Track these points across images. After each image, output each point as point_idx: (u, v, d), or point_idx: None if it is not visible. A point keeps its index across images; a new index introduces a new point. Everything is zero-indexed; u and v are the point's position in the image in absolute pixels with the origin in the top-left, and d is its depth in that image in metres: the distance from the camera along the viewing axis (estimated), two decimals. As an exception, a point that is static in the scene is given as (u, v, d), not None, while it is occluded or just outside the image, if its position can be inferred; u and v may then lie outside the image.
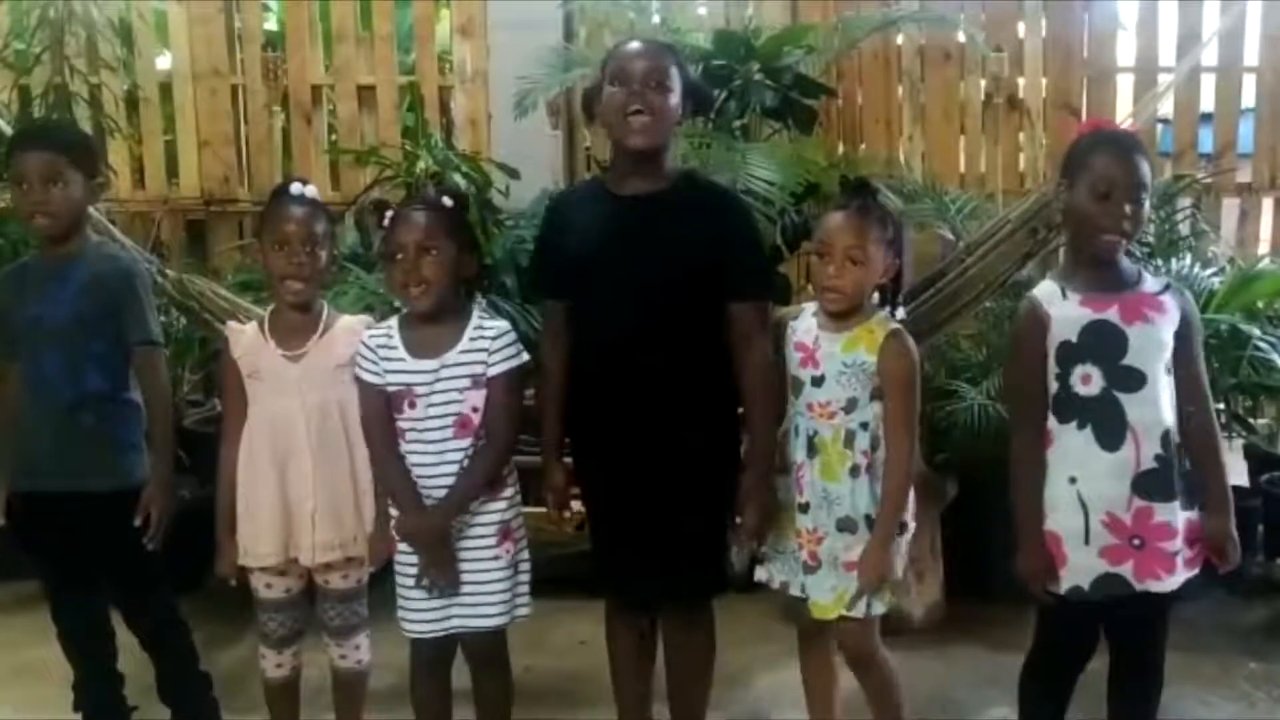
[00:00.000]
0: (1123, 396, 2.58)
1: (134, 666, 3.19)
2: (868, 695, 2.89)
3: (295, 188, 2.90)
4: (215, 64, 5.63)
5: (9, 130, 4.29)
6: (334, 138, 5.87)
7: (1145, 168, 2.59)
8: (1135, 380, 2.58)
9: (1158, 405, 2.59)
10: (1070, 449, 2.62)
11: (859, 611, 2.72)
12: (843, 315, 2.72)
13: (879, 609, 2.75)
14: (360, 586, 2.99)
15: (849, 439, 2.69)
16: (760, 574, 2.88)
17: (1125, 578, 2.59)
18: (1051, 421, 2.64)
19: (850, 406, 2.69)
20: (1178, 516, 2.59)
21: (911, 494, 2.76)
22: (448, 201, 2.78)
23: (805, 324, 2.78)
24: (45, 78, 4.93)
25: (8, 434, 3.04)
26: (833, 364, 2.70)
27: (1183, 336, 2.63)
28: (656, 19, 5.05)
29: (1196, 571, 2.66)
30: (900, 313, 2.78)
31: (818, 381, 2.72)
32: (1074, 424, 2.61)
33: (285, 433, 2.86)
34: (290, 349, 2.88)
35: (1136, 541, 2.58)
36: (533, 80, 4.52)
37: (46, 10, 4.86)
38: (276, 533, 2.86)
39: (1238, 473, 4.85)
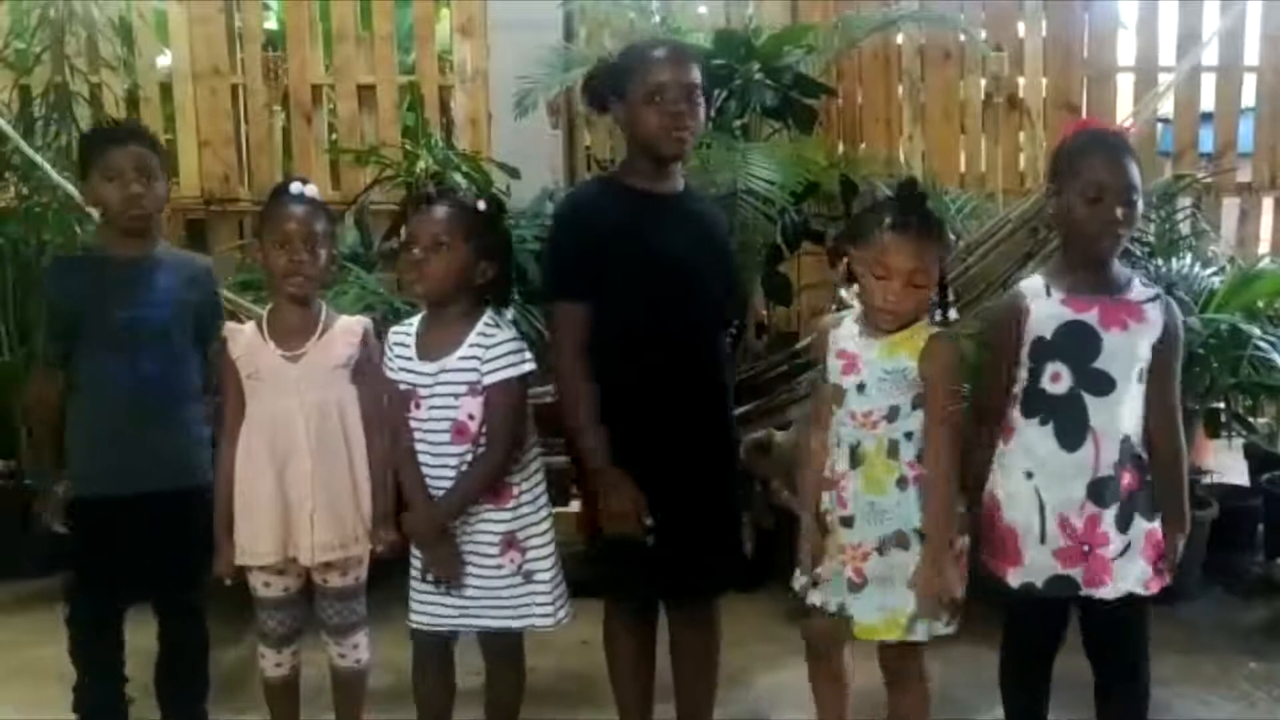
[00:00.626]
0: (1089, 399, 2.58)
1: (132, 669, 3.19)
2: (895, 712, 2.79)
3: (295, 187, 2.90)
4: (215, 63, 5.63)
5: (9, 130, 4.30)
6: (334, 137, 5.87)
7: (1134, 169, 2.58)
8: (1104, 384, 2.58)
9: (1122, 413, 2.59)
10: (1031, 444, 2.62)
11: (920, 635, 2.61)
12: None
13: (940, 630, 2.62)
14: (359, 585, 2.99)
15: (893, 449, 2.59)
16: (813, 597, 2.72)
17: (1075, 581, 2.60)
18: (1015, 415, 2.65)
19: (893, 415, 2.59)
20: (1113, 526, 2.59)
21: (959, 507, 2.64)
22: (482, 205, 2.77)
23: (848, 330, 2.68)
24: (45, 77, 4.91)
25: (71, 438, 3.00)
26: (873, 371, 2.60)
27: (1161, 349, 2.61)
28: (656, 19, 5.06)
29: (1167, 582, 2.67)
30: (953, 314, 2.70)
31: (860, 389, 2.62)
32: (1037, 420, 2.62)
33: (284, 432, 2.86)
34: (289, 349, 2.87)
35: (1085, 548, 2.59)
36: (533, 80, 4.53)
37: (47, 10, 4.85)
38: (275, 532, 2.86)
39: (1238, 472, 4.87)
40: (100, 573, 3.03)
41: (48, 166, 4.21)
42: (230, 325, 2.97)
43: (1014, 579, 2.65)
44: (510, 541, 2.75)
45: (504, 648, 2.87)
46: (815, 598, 2.72)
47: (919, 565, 2.57)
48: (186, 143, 5.68)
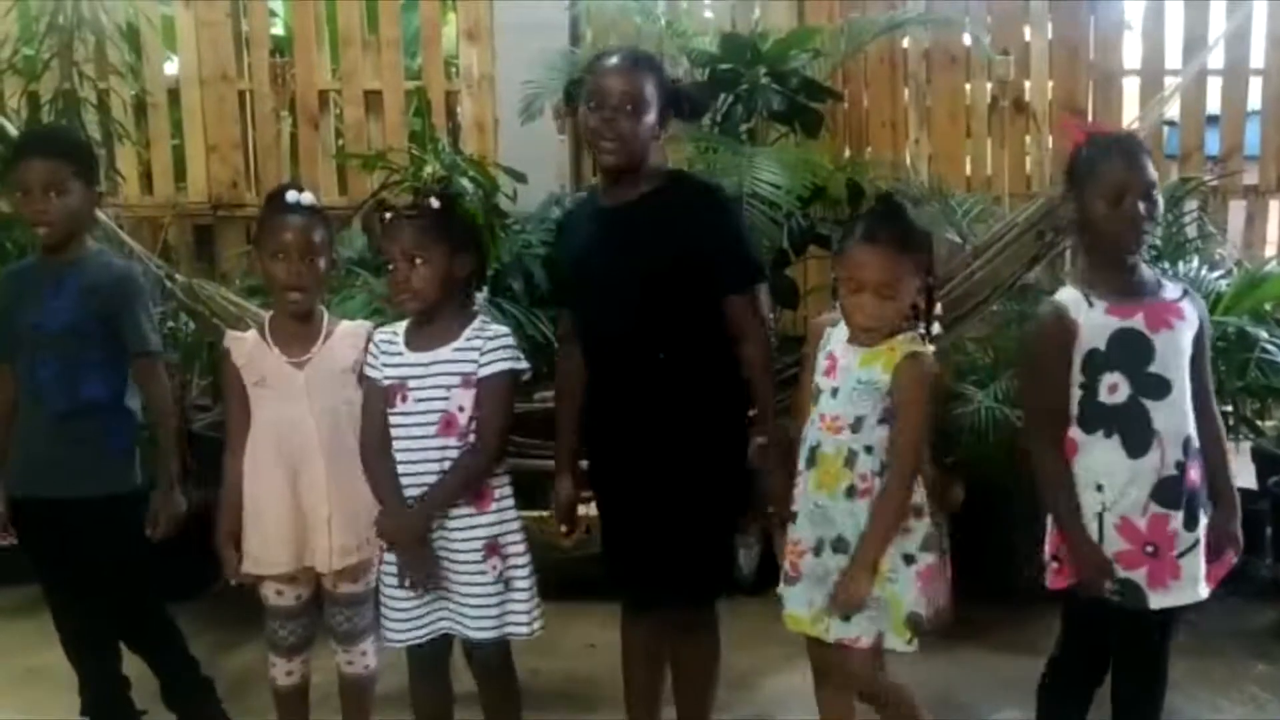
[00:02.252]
0: (1149, 404, 2.57)
1: (140, 669, 3.19)
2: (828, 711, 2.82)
3: (291, 196, 2.88)
4: (223, 69, 5.64)
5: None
6: (341, 142, 5.88)
7: (1150, 165, 2.60)
8: (1161, 387, 2.58)
9: (1182, 411, 2.60)
10: (1098, 459, 2.60)
11: (840, 634, 2.61)
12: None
13: (902, 647, 2.62)
14: (368, 591, 2.98)
15: (850, 459, 2.59)
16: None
17: (1138, 583, 2.58)
18: (1075, 432, 2.63)
19: (857, 425, 2.59)
20: (1181, 524, 2.59)
21: (927, 523, 2.62)
22: (434, 203, 2.75)
23: (840, 333, 2.68)
24: (54, 83, 4.94)
25: (5, 438, 3.05)
26: (848, 379, 2.62)
27: (1198, 342, 2.63)
28: (662, 22, 5.06)
29: (1221, 574, 2.69)
30: (936, 328, 2.69)
31: (833, 393, 2.63)
32: (1100, 433, 2.60)
33: (295, 439, 2.85)
34: (294, 355, 2.87)
35: (1150, 548, 2.58)
36: (539, 84, 4.54)
37: (55, 16, 4.87)
38: (288, 541, 2.85)
39: (1245, 475, 4.85)
40: (44, 576, 3.09)
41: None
42: (231, 334, 2.96)
43: (1079, 587, 2.63)
44: (493, 547, 2.73)
45: (491, 659, 2.83)
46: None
47: (844, 569, 2.58)
48: (194, 148, 5.70)
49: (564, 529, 2.98)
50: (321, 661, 3.08)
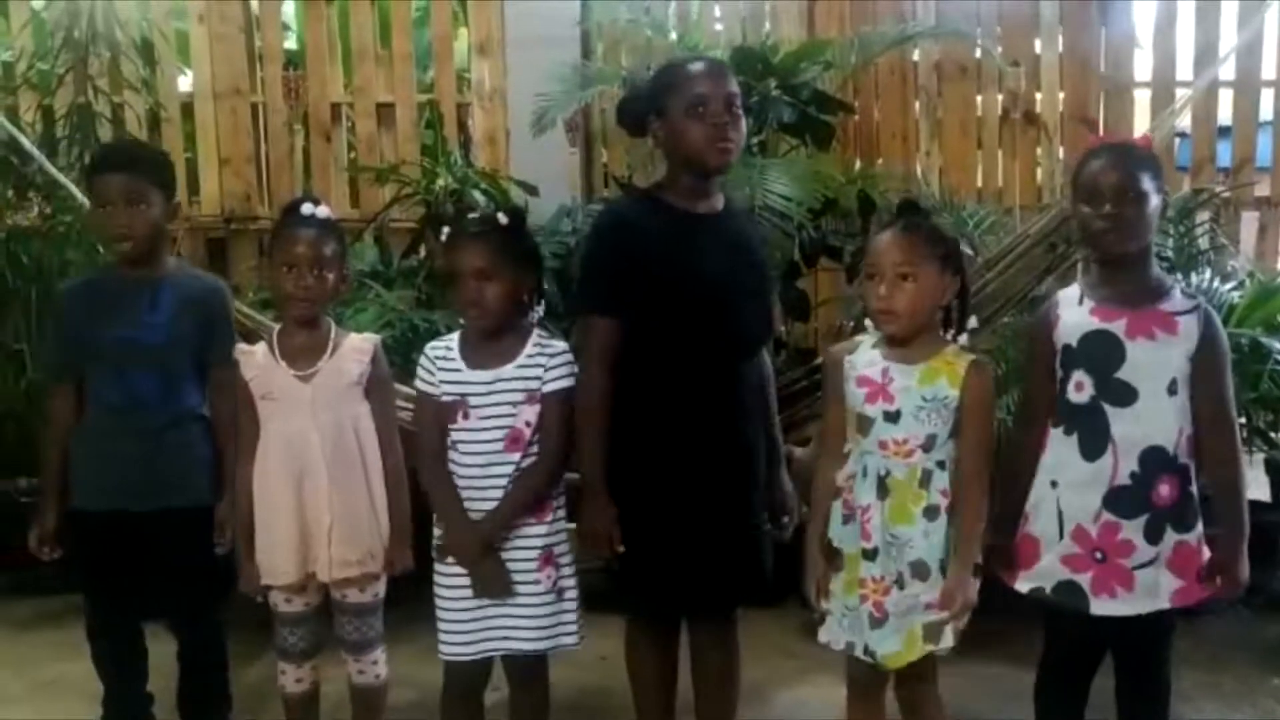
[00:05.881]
0: (1109, 409, 2.58)
1: (162, 681, 3.21)
2: None
3: (306, 208, 2.89)
4: (236, 83, 5.68)
5: (33, 150, 4.34)
6: (353, 155, 5.91)
7: (1137, 173, 2.58)
8: (1126, 395, 2.57)
9: (1148, 424, 2.58)
10: (1056, 453, 2.64)
11: (944, 643, 2.55)
12: (908, 343, 2.58)
13: (950, 642, 2.57)
14: (377, 601, 2.99)
15: (925, 478, 2.54)
16: (822, 635, 2.68)
17: (1082, 588, 2.59)
18: (1050, 425, 2.66)
19: (930, 444, 2.53)
20: (1142, 535, 2.58)
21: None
22: (503, 219, 2.77)
23: (866, 357, 2.61)
24: (69, 98, 4.98)
25: (73, 453, 3.04)
26: (909, 398, 2.54)
27: (1199, 361, 2.59)
28: (673, 35, 5.08)
29: (1202, 597, 2.66)
30: (972, 322, 2.68)
31: (892, 417, 2.55)
32: (1062, 429, 2.63)
33: (300, 452, 2.86)
34: (301, 369, 2.88)
35: (1099, 554, 2.58)
36: (550, 97, 4.56)
37: (70, 31, 4.91)
38: (294, 550, 2.87)
39: (1259, 487, 4.83)
40: (102, 587, 3.07)
41: (71, 186, 4.25)
42: (241, 347, 2.96)
43: (1023, 584, 2.65)
44: (548, 557, 2.75)
45: (531, 670, 2.84)
46: (824, 636, 2.68)
47: (949, 579, 2.53)
48: (207, 161, 5.73)
49: (619, 549, 2.80)
50: (333, 671, 3.09)
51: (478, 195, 4.52)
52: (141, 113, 5.48)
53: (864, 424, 2.58)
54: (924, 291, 2.54)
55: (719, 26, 5.73)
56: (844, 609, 2.61)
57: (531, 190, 4.84)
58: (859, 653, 2.59)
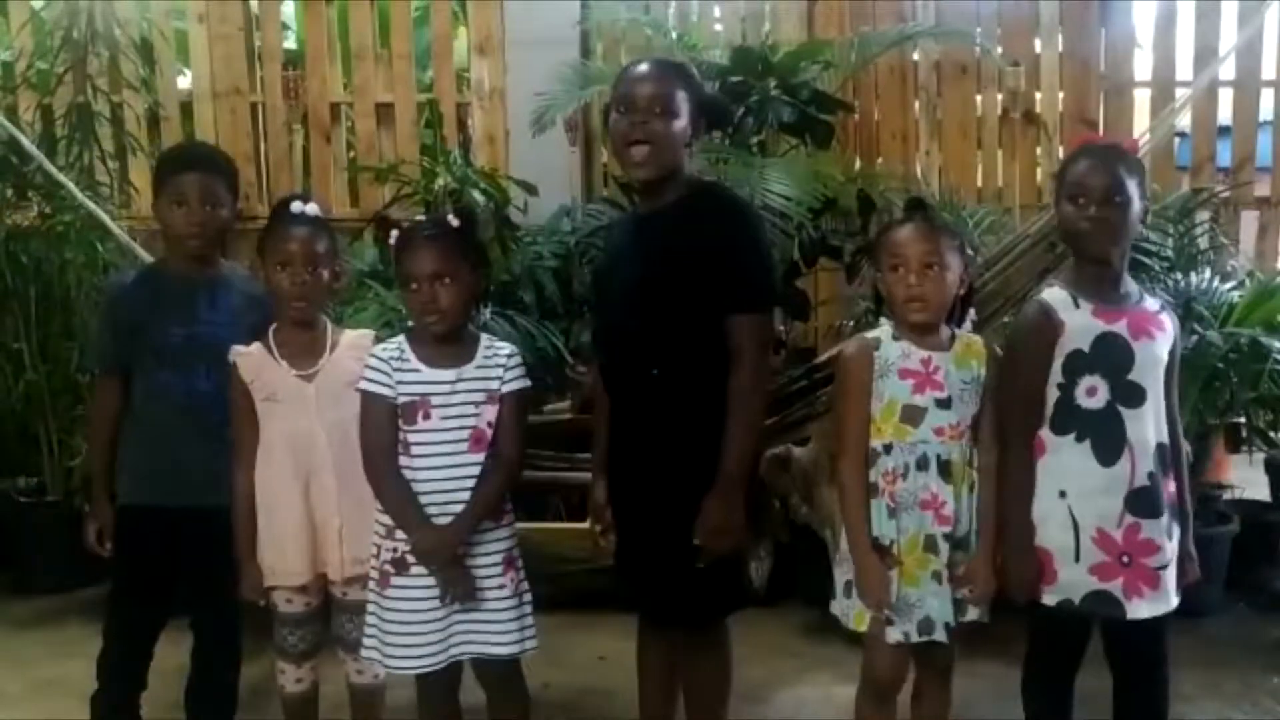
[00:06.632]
0: (1125, 411, 2.58)
1: (162, 682, 3.20)
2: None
3: (296, 206, 2.89)
4: (235, 82, 5.67)
5: (33, 149, 4.34)
6: (353, 155, 5.91)
7: (1121, 174, 2.59)
8: (1137, 396, 2.59)
9: (1154, 422, 2.61)
10: (1065, 462, 2.61)
11: (978, 616, 2.68)
12: (933, 331, 2.65)
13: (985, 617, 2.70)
14: (377, 600, 2.99)
15: (970, 457, 2.65)
16: (893, 635, 2.64)
17: (1115, 595, 2.59)
18: (1045, 433, 2.64)
19: (972, 424, 2.65)
20: (1162, 534, 2.60)
21: None
22: (454, 221, 2.73)
23: (897, 349, 2.64)
24: (68, 97, 4.97)
25: (123, 448, 3.03)
26: (953, 383, 2.63)
27: (1172, 356, 2.66)
28: (673, 35, 5.08)
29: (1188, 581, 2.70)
30: (972, 313, 2.77)
31: (944, 404, 2.61)
32: (1072, 436, 2.61)
33: (306, 451, 2.86)
34: (302, 368, 2.88)
35: (1125, 559, 2.58)
36: (550, 97, 4.56)
37: (70, 31, 4.91)
38: (304, 552, 2.86)
39: (1259, 487, 4.84)
40: (139, 583, 3.05)
41: (71, 185, 4.25)
42: (236, 348, 2.92)
43: (1049, 597, 2.62)
44: (509, 560, 2.74)
45: (504, 676, 2.81)
46: (895, 635, 2.64)
47: (975, 559, 2.64)
48: (207, 161, 5.72)
49: (599, 529, 2.92)
50: (331, 671, 3.09)
51: (477, 195, 4.51)
52: (141, 112, 5.47)
53: (914, 414, 2.62)
54: (949, 279, 2.63)
55: (719, 27, 5.75)
56: (906, 605, 2.62)
57: (531, 190, 4.84)
58: (939, 635, 2.62)
